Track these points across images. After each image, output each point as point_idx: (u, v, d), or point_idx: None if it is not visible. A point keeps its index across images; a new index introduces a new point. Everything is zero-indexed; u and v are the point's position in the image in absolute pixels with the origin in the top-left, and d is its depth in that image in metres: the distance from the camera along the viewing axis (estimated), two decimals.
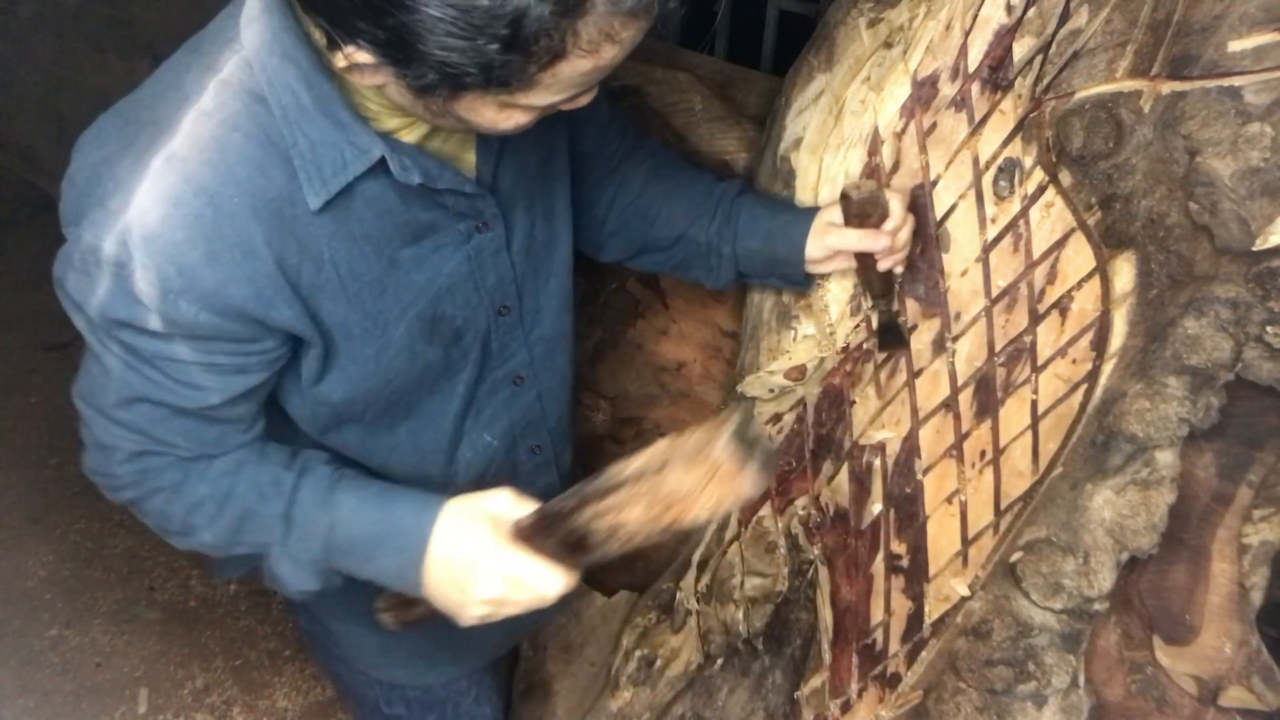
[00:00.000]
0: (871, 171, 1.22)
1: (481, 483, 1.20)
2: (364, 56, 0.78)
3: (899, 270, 1.18)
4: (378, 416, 1.09)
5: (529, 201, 1.10)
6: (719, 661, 1.47)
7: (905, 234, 1.13)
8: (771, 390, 1.40)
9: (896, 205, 1.13)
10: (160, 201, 0.84)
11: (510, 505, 1.00)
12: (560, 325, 1.22)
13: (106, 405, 0.96)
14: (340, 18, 0.77)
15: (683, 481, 0.87)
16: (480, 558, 0.98)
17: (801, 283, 1.25)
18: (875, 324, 1.24)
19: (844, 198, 1.13)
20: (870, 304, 1.23)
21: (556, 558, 0.97)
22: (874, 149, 1.23)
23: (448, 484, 1.17)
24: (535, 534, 0.98)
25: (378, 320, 1.00)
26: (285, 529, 1.01)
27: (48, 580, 2.46)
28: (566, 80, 0.80)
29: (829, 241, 1.17)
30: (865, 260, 1.16)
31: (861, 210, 1.11)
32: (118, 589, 2.46)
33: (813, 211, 1.22)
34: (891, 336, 1.22)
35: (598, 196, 1.28)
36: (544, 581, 0.98)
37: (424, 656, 1.35)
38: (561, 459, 1.33)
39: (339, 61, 0.80)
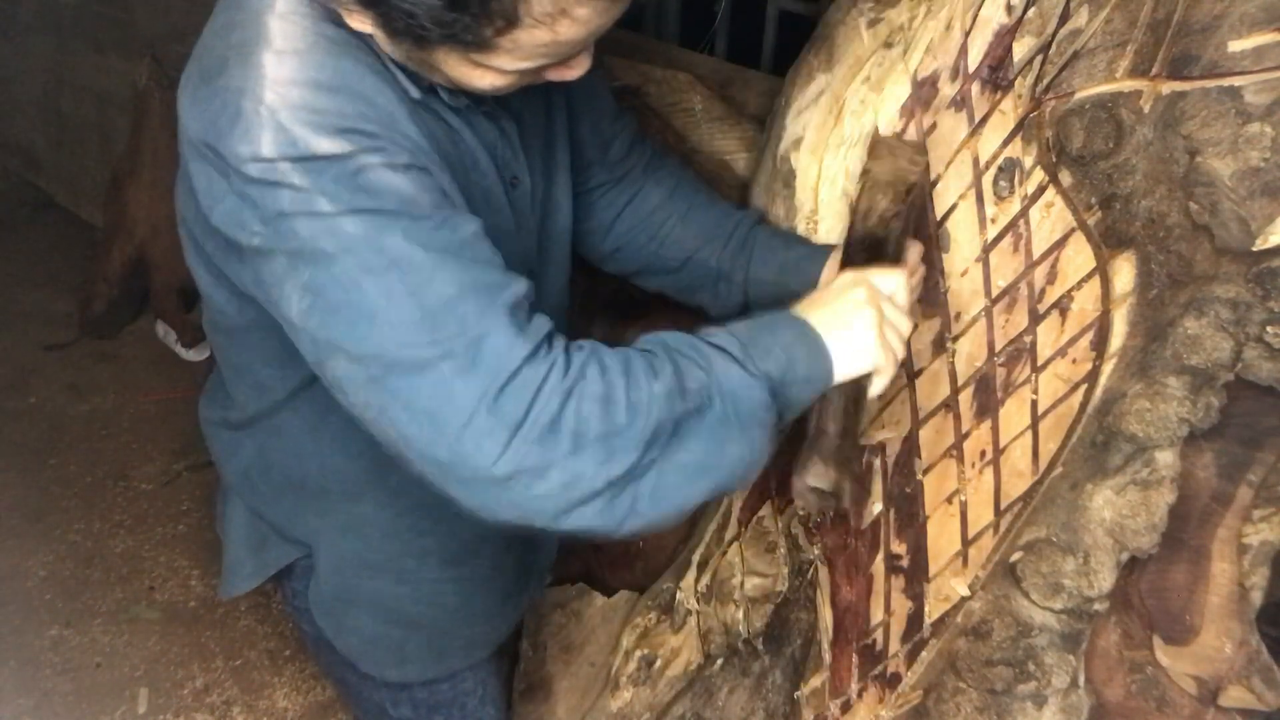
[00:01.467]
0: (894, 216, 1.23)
1: None
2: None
3: None
4: None
5: (538, 165, 1.11)
6: (719, 661, 1.47)
7: (915, 280, 1.14)
8: None
9: (914, 252, 1.13)
10: (290, 83, 0.81)
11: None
12: (562, 298, 1.23)
13: (429, 292, 0.79)
14: None
15: (883, 165, 1.10)
16: (837, 288, 0.98)
17: None
18: None
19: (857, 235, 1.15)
20: None
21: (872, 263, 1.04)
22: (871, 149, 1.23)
23: None
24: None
25: (464, 204, 0.97)
26: (712, 348, 0.89)
27: (48, 580, 2.46)
28: (529, 48, 0.81)
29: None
30: None
31: (874, 250, 1.12)
32: (118, 589, 2.46)
33: (828, 249, 1.22)
34: None
35: (607, 204, 1.28)
36: (888, 279, 1.01)
37: (436, 650, 1.35)
38: None
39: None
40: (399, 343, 0.79)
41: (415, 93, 0.89)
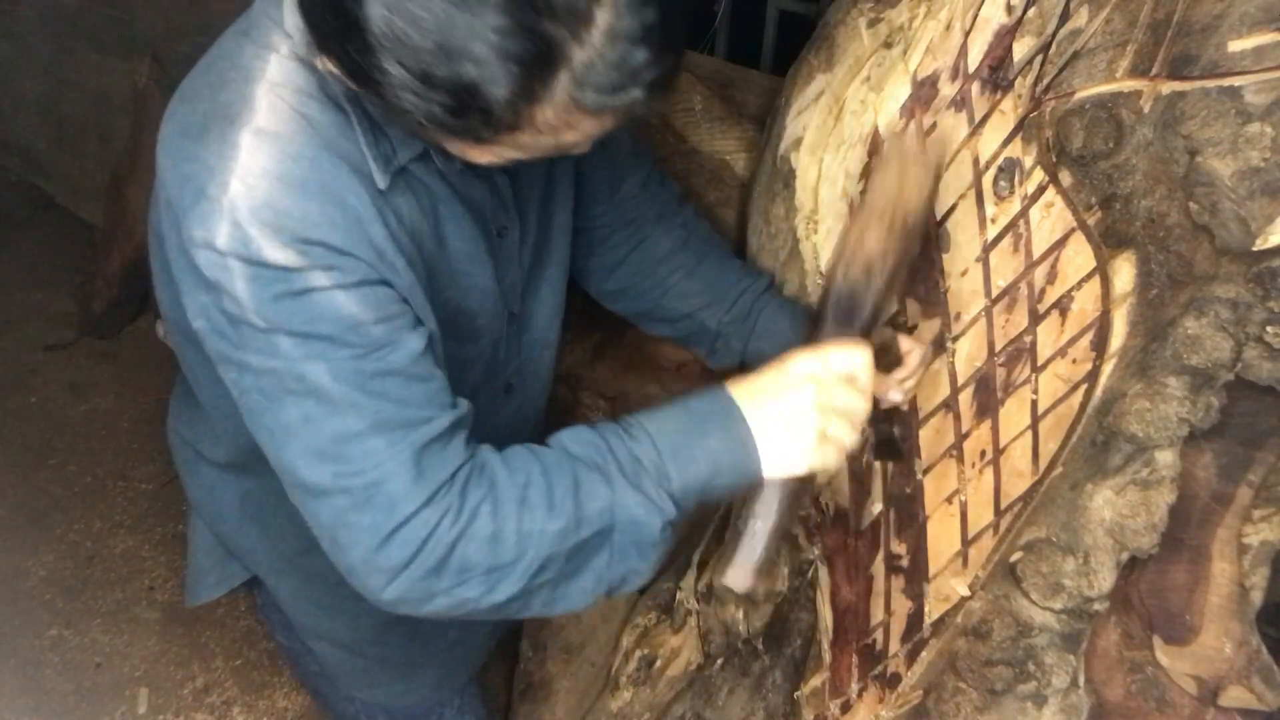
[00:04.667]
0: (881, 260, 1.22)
1: None
2: (345, 78, 0.79)
3: (904, 406, 1.18)
4: None
5: (533, 209, 1.09)
6: (719, 661, 1.47)
7: (912, 383, 1.13)
8: None
9: (915, 357, 1.13)
10: (261, 175, 0.81)
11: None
12: (549, 333, 1.20)
13: (340, 425, 0.82)
14: (319, 38, 0.77)
15: (886, 184, 0.99)
16: (783, 376, 0.93)
17: None
18: (872, 438, 1.22)
19: None
20: (870, 422, 1.24)
21: (841, 336, 0.97)
22: (874, 149, 1.23)
23: None
24: (809, 337, 1.00)
25: (423, 302, 0.96)
26: (620, 468, 0.89)
27: (48, 580, 2.46)
28: (529, 146, 0.80)
29: None
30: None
31: (874, 354, 1.11)
32: (118, 589, 2.45)
33: None
34: (888, 450, 1.21)
35: (612, 246, 1.26)
36: (849, 358, 0.94)
37: (405, 677, 1.35)
38: None
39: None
40: (305, 466, 0.84)
41: (383, 183, 0.87)
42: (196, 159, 0.84)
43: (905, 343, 1.14)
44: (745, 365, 1.28)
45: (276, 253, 0.80)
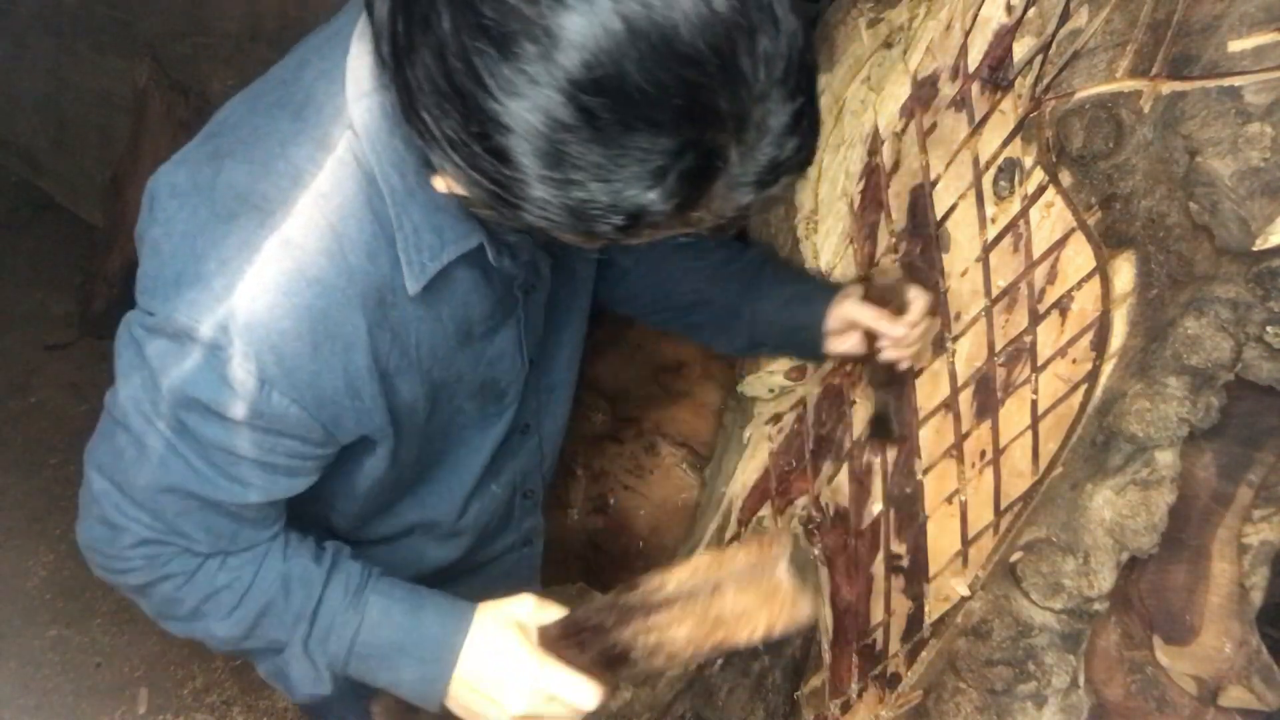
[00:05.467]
0: (890, 262, 1.22)
1: (484, 532, 1.19)
2: (459, 189, 0.74)
3: (903, 365, 1.18)
4: (399, 476, 1.05)
5: (561, 267, 1.07)
6: (719, 661, 1.47)
7: (919, 332, 1.13)
8: (771, 390, 1.40)
9: (919, 303, 1.12)
10: (271, 290, 0.80)
11: (535, 611, 0.97)
12: (567, 373, 1.20)
13: (131, 486, 0.90)
14: (441, 155, 0.70)
15: (737, 603, 0.87)
16: (513, 672, 0.94)
17: (816, 353, 1.22)
18: (869, 413, 1.25)
19: (865, 279, 1.15)
20: (869, 390, 1.25)
21: (592, 670, 0.94)
22: (874, 149, 1.23)
23: (453, 534, 1.16)
24: (567, 644, 0.95)
25: (441, 392, 0.97)
26: (308, 628, 0.95)
27: (48, 580, 2.46)
28: (666, 233, 0.76)
29: (845, 311, 1.16)
30: (872, 347, 1.16)
31: (880, 295, 1.13)
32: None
33: (833, 289, 1.21)
34: (881, 427, 1.23)
35: (623, 257, 1.25)
36: (580, 695, 0.94)
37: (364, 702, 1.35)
38: (543, 499, 1.31)
39: (436, 183, 0.78)
40: (97, 465, 0.92)
41: (415, 289, 0.86)
42: (214, 244, 0.81)
43: (913, 290, 1.12)
44: (756, 343, 1.25)
45: (240, 370, 0.81)
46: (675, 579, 0.90)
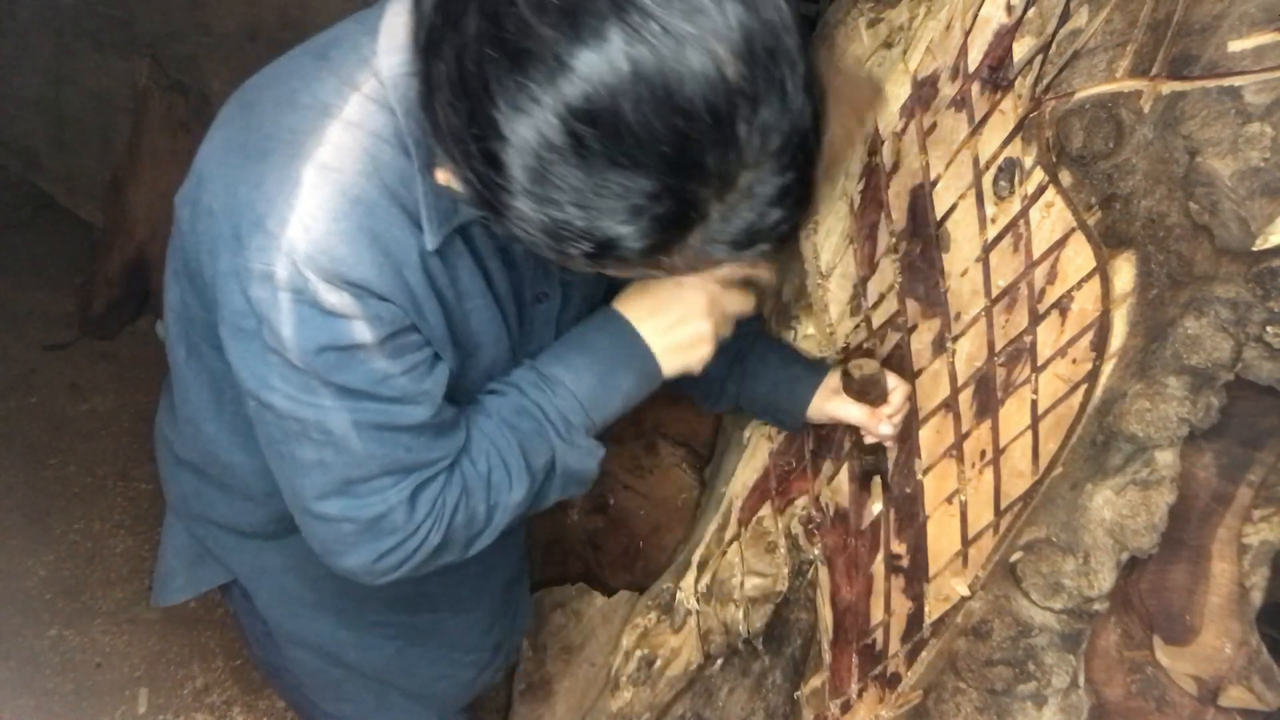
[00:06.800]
0: (868, 352, 1.26)
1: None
2: (455, 185, 0.76)
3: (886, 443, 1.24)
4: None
5: (577, 281, 1.08)
6: (719, 661, 1.47)
7: (899, 418, 1.19)
8: None
9: (899, 393, 1.17)
10: (320, 217, 0.81)
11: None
12: None
13: (354, 477, 0.90)
14: (442, 144, 0.73)
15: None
16: (676, 298, 1.03)
17: (796, 428, 1.31)
18: (858, 469, 1.29)
19: (845, 375, 1.18)
20: (855, 453, 1.29)
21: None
22: (874, 149, 1.23)
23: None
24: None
25: (459, 342, 0.98)
26: (554, 431, 1.01)
27: (48, 580, 2.46)
28: (639, 271, 0.79)
29: (829, 409, 1.22)
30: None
31: (860, 388, 1.17)
32: (118, 589, 2.45)
33: (821, 370, 1.25)
34: (872, 472, 1.27)
35: None
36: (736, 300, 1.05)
37: (375, 695, 1.35)
38: None
39: (438, 175, 0.80)
40: (312, 498, 0.92)
41: (433, 244, 0.88)
42: (256, 185, 0.82)
43: (891, 379, 1.18)
44: (739, 409, 1.32)
45: (330, 295, 0.82)
46: None
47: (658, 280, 1.03)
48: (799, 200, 0.72)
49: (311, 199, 0.81)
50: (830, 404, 1.22)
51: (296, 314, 0.83)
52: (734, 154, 0.66)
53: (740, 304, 1.07)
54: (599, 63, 0.62)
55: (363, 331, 0.85)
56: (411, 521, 0.93)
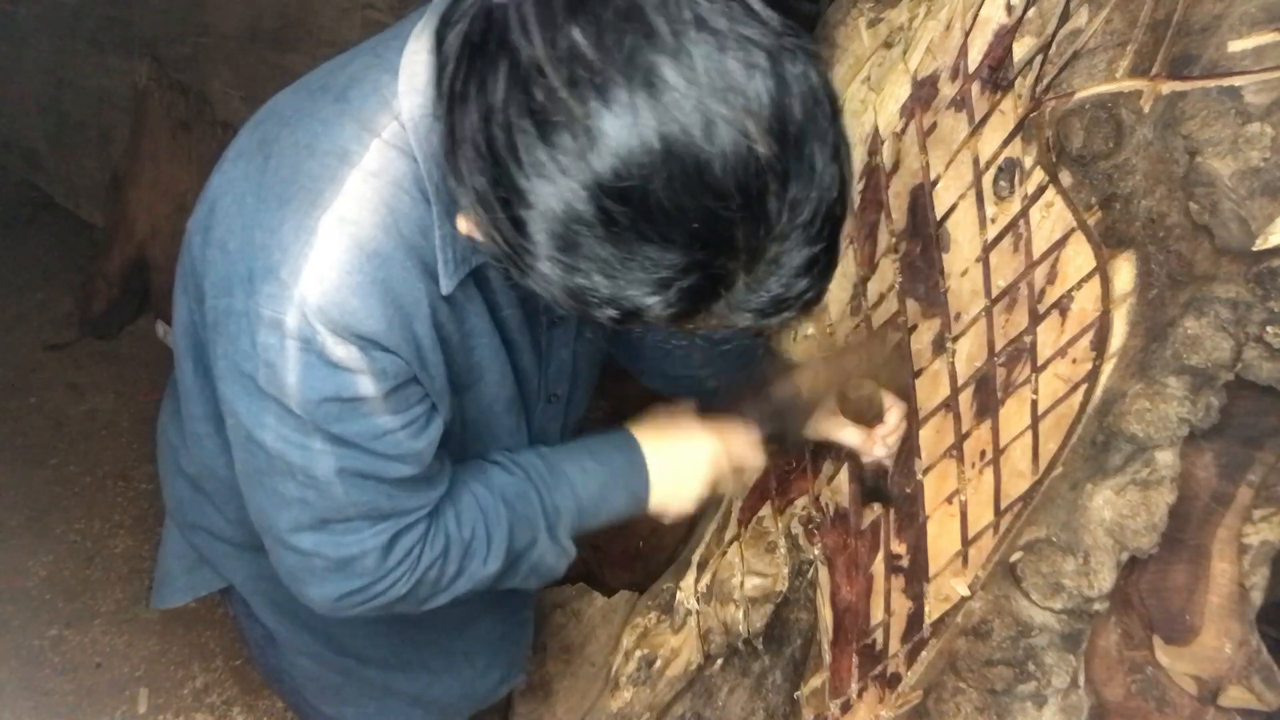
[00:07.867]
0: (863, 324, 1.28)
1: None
2: (477, 235, 0.76)
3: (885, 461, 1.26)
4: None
5: None
6: (719, 661, 1.47)
7: (895, 439, 1.20)
8: None
9: (895, 413, 1.18)
10: (334, 269, 0.81)
11: (670, 409, 1.16)
12: (585, 409, 1.26)
13: (331, 519, 0.91)
14: (464, 192, 0.72)
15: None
16: (690, 446, 1.12)
17: (797, 450, 1.36)
18: (859, 489, 1.29)
19: (841, 396, 1.19)
20: (856, 473, 1.29)
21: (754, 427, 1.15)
22: (874, 149, 1.23)
23: None
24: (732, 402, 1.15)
25: (459, 380, 0.99)
26: (544, 522, 1.05)
27: (48, 580, 2.46)
28: (663, 330, 0.80)
29: (825, 431, 1.24)
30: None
31: (856, 410, 1.19)
32: (118, 589, 2.46)
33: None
34: (875, 495, 1.27)
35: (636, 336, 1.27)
36: (749, 454, 1.13)
37: (376, 700, 1.35)
38: None
39: (460, 222, 0.80)
40: (288, 531, 0.93)
41: (448, 288, 0.88)
42: (273, 232, 0.82)
43: (887, 399, 1.18)
44: None
45: (338, 348, 0.82)
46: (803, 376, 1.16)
47: (679, 423, 1.14)
48: (825, 269, 0.72)
49: (327, 251, 0.81)
50: (825, 423, 1.22)
51: (303, 363, 0.82)
52: (764, 228, 0.66)
53: (754, 462, 1.15)
54: (630, 139, 0.62)
55: (367, 386, 0.85)
56: (383, 567, 0.95)
